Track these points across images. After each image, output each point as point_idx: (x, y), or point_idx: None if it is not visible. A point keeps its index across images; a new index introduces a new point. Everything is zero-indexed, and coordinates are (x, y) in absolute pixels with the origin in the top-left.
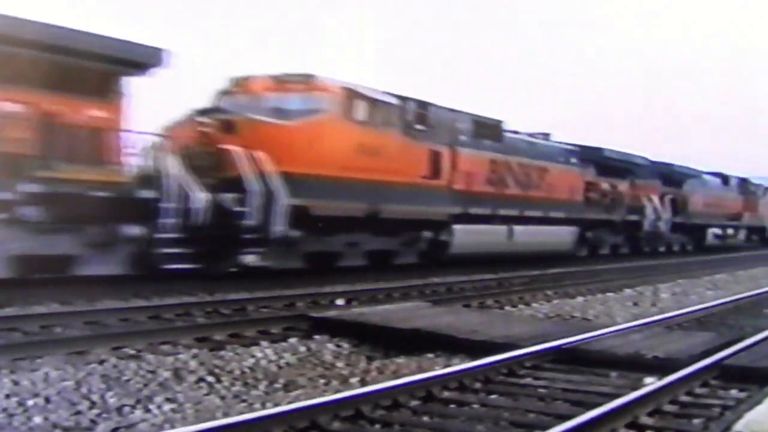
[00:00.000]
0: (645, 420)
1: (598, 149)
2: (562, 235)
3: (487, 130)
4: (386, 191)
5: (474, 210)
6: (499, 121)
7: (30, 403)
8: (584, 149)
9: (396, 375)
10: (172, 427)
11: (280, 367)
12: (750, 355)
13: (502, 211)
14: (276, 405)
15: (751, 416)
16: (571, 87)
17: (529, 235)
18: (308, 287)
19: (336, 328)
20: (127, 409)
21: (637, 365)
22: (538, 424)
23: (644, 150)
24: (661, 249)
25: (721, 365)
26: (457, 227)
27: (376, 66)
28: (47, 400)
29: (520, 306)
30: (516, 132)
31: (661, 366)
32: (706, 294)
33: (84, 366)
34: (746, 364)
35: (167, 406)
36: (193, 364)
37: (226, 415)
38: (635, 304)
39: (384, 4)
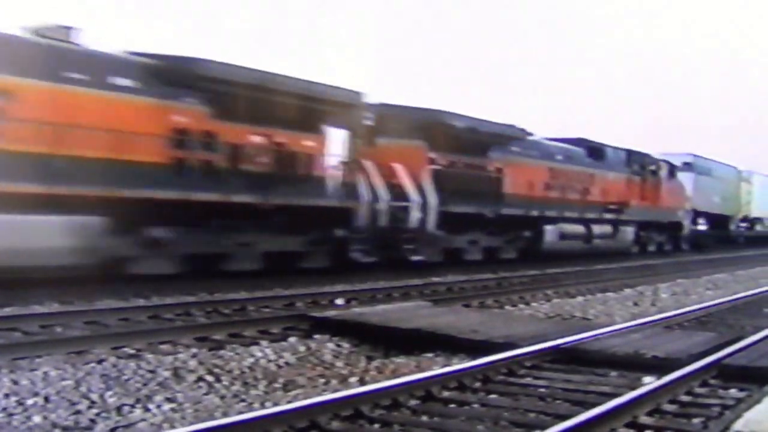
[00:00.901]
0: (644, 419)
1: (201, 62)
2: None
3: None
4: None
5: None
6: None
7: (29, 402)
8: (169, 62)
9: (395, 375)
10: (172, 426)
11: (279, 367)
12: (749, 355)
13: None
14: (275, 405)
15: (750, 416)
16: (573, 87)
17: None
18: (308, 287)
19: (336, 328)
20: (126, 408)
21: (637, 365)
22: (538, 423)
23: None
24: (421, 258)
25: (721, 365)
26: None
27: (377, 67)
28: (47, 399)
29: (520, 306)
30: None
31: (660, 365)
32: (705, 294)
33: (83, 365)
34: (746, 363)
35: (167, 406)
36: (192, 363)
37: (225, 414)
38: (635, 303)
39: (384, 5)
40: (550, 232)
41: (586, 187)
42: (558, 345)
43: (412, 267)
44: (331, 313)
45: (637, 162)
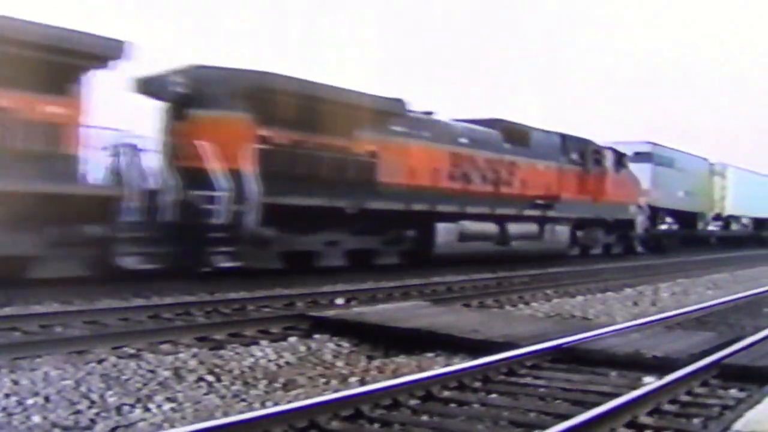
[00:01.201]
0: (644, 419)
1: None
2: None
3: None
4: None
5: None
6: None
7: (29, 402)
8: None
9: (396, 374)
10: (172, 426)
11: (279, 367)
12: (750, 355)
13: None
14: (275, 404)
15: (750, 415)
16: (572, 86)
17: None
18: (308, 287)
19: (336, 328)
20: (126, 408)
21: (637, 364)
22: (538, 423)
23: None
24: (236, 264)
25: (721, 365)
26: None
27: (377, 67)
28: (47, 399)
29: (520, 305)
30: None
31: (660, 365)
32: (706, 293)
33: (83, 365)
34: (746, 363)
35: (167, 406)
36: (192, 363)
37: (225, 414)
38: (635, 303)
39: (384, 4)
40: (444, 231)
41: (501, 178)
42: (558, 345)
43: (222, 274)
44: (331, 312)
45: (575, 149)
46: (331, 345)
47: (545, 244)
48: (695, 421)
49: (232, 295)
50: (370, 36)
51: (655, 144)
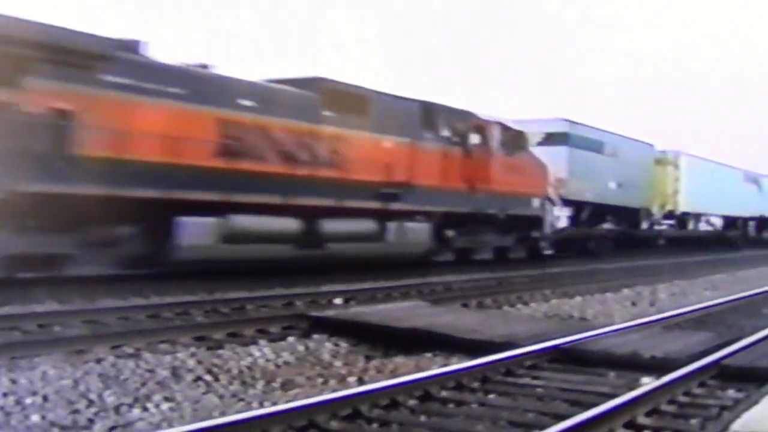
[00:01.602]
0: (643, 420)
1: None
2: None
3: None
4: None
5: None
6: None
7: (28, 401)
8: None
9: (394, 374)
10: (170, 425)
11: (278, 366)
12: (748, 355)
13: None
14: (274, 404)
15: (748, 416)
16: (574, 85)
17: None
18: (307, 286)
19: (334, 328)
20: (125, 407)
21: (635, 365)
22: (536, 423)
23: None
24: None
25: (719, 365)
26: None
27: (379, 64)
28: (45, 398)
29: (519, 306)
30: None
31: (659, 366)
32: (704, 294)
33: (82, 365)
34: (744, 364)
35: (165, 405)
36: (191, 363)
37: (223, 414)
38: (633, 303)
39: (385, 3)
40: (193, 228)
41: (315, 155)
42: (557, 345)
43: None
44: (329, 312)
45: (446, 124)
46: (329, 345)
47: (389, 247)
48: (693, 421)
49: (231, 295)
50: (370, 36)
51: (573, 122)
